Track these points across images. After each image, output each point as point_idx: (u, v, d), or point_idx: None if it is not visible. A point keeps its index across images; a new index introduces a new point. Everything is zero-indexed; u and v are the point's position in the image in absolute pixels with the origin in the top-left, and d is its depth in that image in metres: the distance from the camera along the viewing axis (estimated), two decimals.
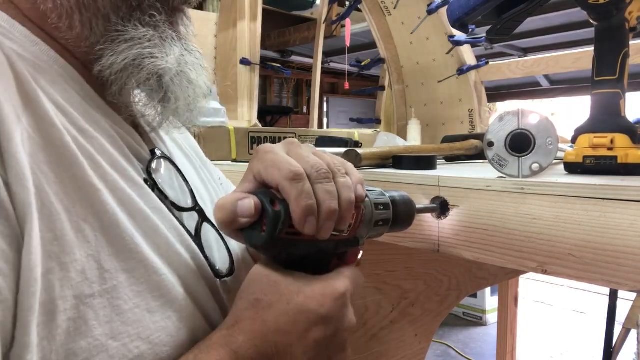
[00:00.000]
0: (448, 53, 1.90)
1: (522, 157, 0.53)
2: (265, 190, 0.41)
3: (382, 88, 2.50)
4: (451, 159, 0.97)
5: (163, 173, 0.48)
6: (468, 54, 1.91)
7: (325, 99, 7.37)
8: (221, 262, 0.50)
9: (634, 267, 0.43)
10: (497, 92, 6.72)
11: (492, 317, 3.12)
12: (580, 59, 1.63)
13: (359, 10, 2.18)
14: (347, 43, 2.60)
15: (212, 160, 0.66)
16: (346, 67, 2.98)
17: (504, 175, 0.54)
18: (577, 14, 4.04)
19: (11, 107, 0.34)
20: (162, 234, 0.41)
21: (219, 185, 0.61)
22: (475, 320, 3.29)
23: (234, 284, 0.49)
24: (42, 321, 0.32)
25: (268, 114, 6.12)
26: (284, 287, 0.40)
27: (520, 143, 0.53)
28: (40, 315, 0.32)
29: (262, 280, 0.40)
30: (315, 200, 0.39)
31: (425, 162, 0.74)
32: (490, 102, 3.41)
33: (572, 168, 0.61)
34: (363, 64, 2.51)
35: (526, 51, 5.52)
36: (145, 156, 0.46)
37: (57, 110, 0.38)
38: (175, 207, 0.46)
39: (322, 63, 3.01)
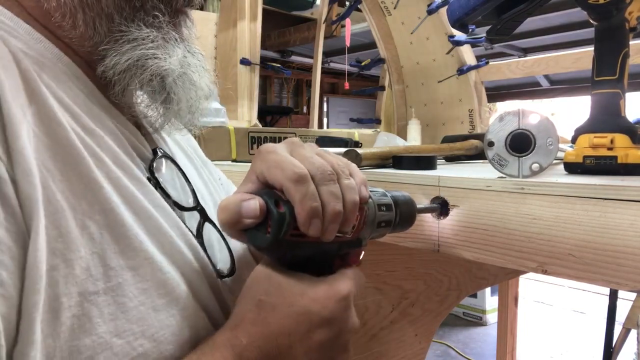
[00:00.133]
0: (448, 53, 1.90)
1: (522, 157, 0.53)
2: (269, 191, 0.40)
3: (382, 88, 2.50)
4: (451, 159, 0.97)
5: (165, 172, 0.48)
6: (468, 54, 1.91)
7: (325, 99, 7.37)
8: (222, 262, 0.50)
9: (634, 267, 0.43)
10: (497, 92, 6.72)
11: (492, 317, 3.12)
12: (580, 59, 1.63)
13: (359, 10, 2.18)
14: (347, 43, 2.60)
15: (212, 160, 0.66)
16: (346, 67, 2.98)
17: (504, 175, 0.54)
18: (577, 14, 4.04)
19: (17, 105, 0.34)
20: (165, 233, 0.41)
21: (219, 185, 0.61)
22: (475, 320, 3.29)
23: (235, 284, 0.49)
24: (47, 318, 0.32)
25: (268, 114, 6.12)
26: (287, 289, 0.40)
27: (521, 143, 0.53)
28: (45, 312, 0.32)
29: (265, 281, 0.40)
30: (319, 202, 0.39)
31: (425, 162, 0.74)
32: (490, 102, 3.41)
33: (572, 168, 0.61)
34: (363, 64, 2.51)
35: (526, 51, 5.52)
36: (147, 155, 0.46)
37: (61, 107, 0.38)
38: (177, 207, 0.46)
39: (322, 63, 3.01)
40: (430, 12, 1.81)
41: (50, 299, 0.32)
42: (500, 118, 0.55)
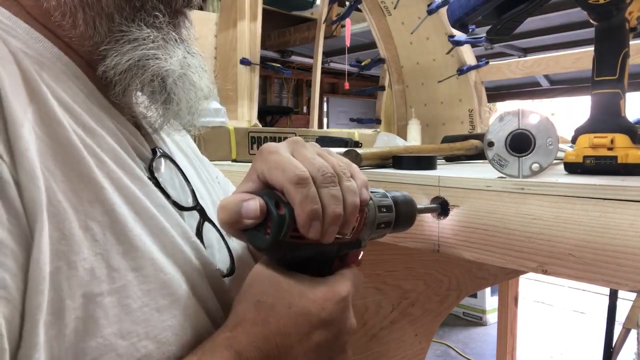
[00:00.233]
0: (448, 53, 1.90)
1: (522, 157, 0.53)
2: (270, 192, 0.40)
3: (382, 88, 2.50)
4: (451, 159, 0.97)
5: (164, 172, 0.48)
6: (468, 54, 1.91)
7: (325, 99, 7.37)
8: (222, 261, 0.50)
9: (634, 267, 0.43)
10: (497, 92, 6.72)
11: (492, 317, 3.12)
12: (580, 59, 1.63)
13: (359, 10, 2.18)
14: (347, 43, 2.60)
15: (212, 160, 0.66)
16: (346, 67, 2.98)
17: (504, 175, 0.54)
18: (577, 14, 4.04)
19: (19, 105, 0.34)
20: (167, 232, 0.41)
21: (217, 184, 0.61)
22: (475, 320, 3.29)
23: (235, 284, 0.49)
24: (50, 320, 0.32)
25: (268, 114, 6.12)
26: (286, 290, 0.40)
27: (521, 143, 0.53)
28: (49, 314, 0.32)
29: (264, 281, 0.40)
30: (320, 205, 0.39)
31: (425, 162, 0.74)
32: (490, 102, 3.41)
33: (572, 168, 0.61)
34: (363, 64, 2.51)
35: (526, 51, 5.52)
36: (147, 155, 0.46)
37: (61, 107, 0.38)
38: (176, 206, 0.46)
39: (322, 63, 3.01)
40: (430, 12, 1.81)
41: (53, 301, 0.32)
42: (500, 118, 0.55)
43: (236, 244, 0.54)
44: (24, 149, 0.33)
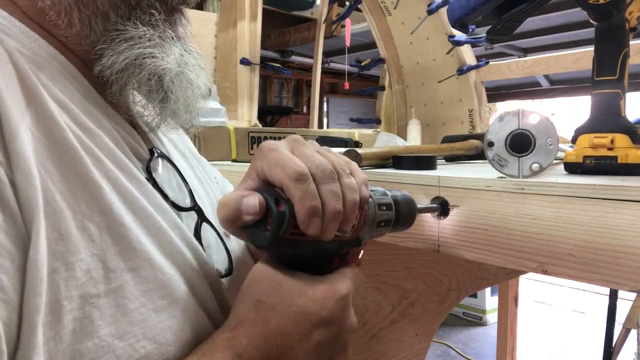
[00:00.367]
0: (448, 53, 1.90)
1: (522, 157, 0.53)
2: (270, 189, 0.40)
3: (382, 88, 2.50)
4: (451, 159, 0.97)
5: (161, 172, 0.48)
6: (468, 54, 1.91)
7: (325, 99, 7.37)
8: (220, 262, 0.50)
9: (634, 267, 0.43)
10: (497, 92, 6.72)
11: (492, 317, 3.12)
12: (580, 59, 1.63)
13: (359, 10, 2.17)
14: (347, 43, 2.60)
15: (211, 160, 0.66)
16: (346, 67, 2.98)
17: (504, 175, 0.54)
18: (577, 14, 4.04)
19: (15, 105, 0.34)
20: (165, 233, 0.41)
21: (215, 184, 0.61)
22: (475, 320, 3.29)
23: (233, 285, 0.49)
24: (48, 321, 0.31)
25: (268, 114, 6.12)
26: (286, 289, 0.40)
27: (521, 143, 0.53)
28: (46, 315, 0.31)
29: (264, 281, 0.40)
30: (319, 201, 0.39)
31: (425, 162, 0.74)
32: (490, 102, 3.41)
33: (572, 168, 0.61)
34: (363, 64, 2.51)
35: (526, 51, 5.52)
36: (144, 155, 0.46)
37: (58, 106, 0.38)
38: (174, 207, 0.46)
39: (322, 63, 3.01)
40: (430, 12, 1.80)
41: (51, 302, 0.32)
42: (500, 118, 0.55)
43: (234, 245, 0.53)
44: (20, 148, 0.33)
